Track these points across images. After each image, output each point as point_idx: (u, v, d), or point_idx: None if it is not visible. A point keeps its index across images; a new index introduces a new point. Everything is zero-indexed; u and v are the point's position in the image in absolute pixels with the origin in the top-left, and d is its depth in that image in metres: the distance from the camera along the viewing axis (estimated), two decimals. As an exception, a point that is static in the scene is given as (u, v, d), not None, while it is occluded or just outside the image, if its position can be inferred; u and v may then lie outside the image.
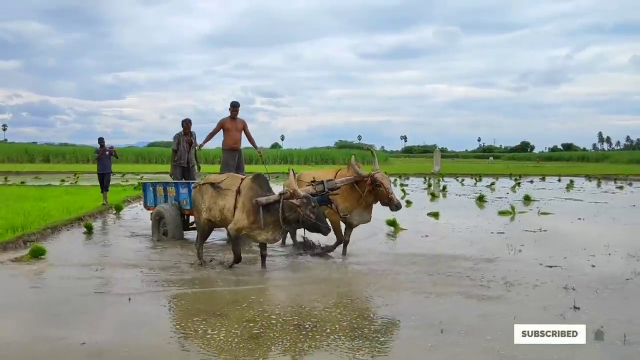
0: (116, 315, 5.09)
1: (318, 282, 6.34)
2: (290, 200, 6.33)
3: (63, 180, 24.71)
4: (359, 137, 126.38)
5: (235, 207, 6.66)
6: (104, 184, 14.39)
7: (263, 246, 6.93)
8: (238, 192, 6.70)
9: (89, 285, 6.02)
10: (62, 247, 8.37)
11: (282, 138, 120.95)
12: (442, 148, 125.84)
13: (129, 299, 5.41)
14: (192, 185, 8.11)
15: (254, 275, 6.60)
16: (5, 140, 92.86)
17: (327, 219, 6.81)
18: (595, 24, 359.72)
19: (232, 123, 9.47)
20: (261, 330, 4.59)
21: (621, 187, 24.48)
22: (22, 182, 22.99)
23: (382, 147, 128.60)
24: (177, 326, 4.71)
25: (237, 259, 6.80)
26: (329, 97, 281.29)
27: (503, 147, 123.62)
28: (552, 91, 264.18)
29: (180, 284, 6.18)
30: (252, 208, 6.47)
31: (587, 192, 21.69)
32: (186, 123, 10.35)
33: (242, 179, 6.92)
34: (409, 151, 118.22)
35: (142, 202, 11.13)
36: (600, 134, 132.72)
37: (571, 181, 27.32)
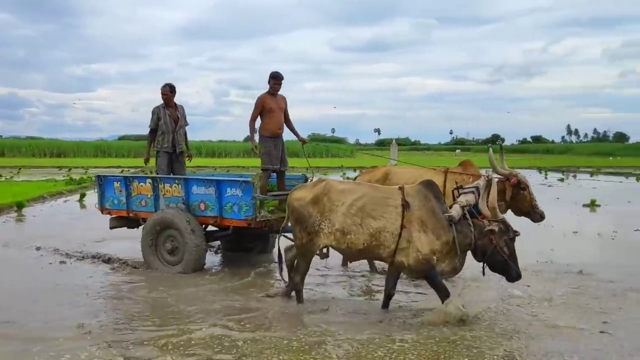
0: None
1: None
2: (486, 221, 4.86)
3: (0, 176, 24.02)
4: (333, 130, 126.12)
5: (402, 228, 4.96)
6: None
7: (394, 280, 5.26)
8: (405, 205, 5.02)
9: None
10: None
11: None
12: (415, 141, 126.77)
13: None
14: (290, 191, 5.67)
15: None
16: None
17: None
18: (571, 17, 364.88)
19: (275, 101, 7.03)
20: None
21: (562, 180, 24.70)
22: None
23: (357, 140, 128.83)
24: None
25: (448, 294, 5.03)
26: (305, 91, 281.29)
27: (474, 140, 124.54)
28: (526, 84, 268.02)
29: None
30: (437, 223, 4.95)
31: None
32: (167, 89, 7.47)
33: (401, 188, 5.16)
34: (381, 144, 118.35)
35: (58, 202, 9.65)
36: (568, 127, 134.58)
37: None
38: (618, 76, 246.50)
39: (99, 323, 4.86)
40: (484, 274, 5.14)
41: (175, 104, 7.61)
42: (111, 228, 7.61)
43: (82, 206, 13.98)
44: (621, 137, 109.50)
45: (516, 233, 5.04)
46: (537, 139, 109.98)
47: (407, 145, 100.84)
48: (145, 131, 7.69)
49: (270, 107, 6.96)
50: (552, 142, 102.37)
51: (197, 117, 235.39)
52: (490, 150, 6.13)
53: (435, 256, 4.92)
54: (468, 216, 4.92)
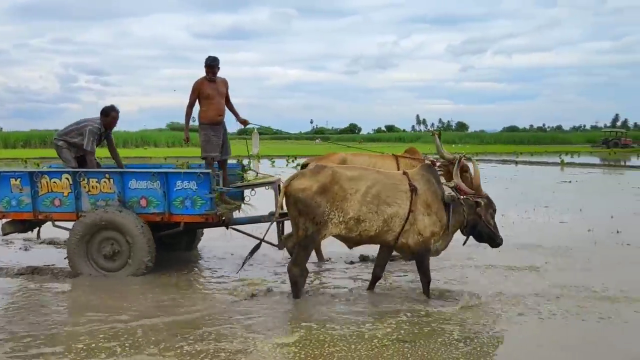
0: None
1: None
2: (475, 198, 5.26)
3: None
4: (194, 119, 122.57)
5: (410, 212, 5.09)
6: None
7: (384, 264, 5.61)
8: (413, 190, 5.11)
9: None
10: None
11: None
12: (277, 130, 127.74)
13: None
14: (286, 183, 5.21)
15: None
16: None
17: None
18: (419, 14, 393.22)
19: (213, 86, 6.86)
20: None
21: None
22: None
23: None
24: None
25: (429, 281, 5.37)
26: (162, 77, 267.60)
27: (333, 129, 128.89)
28: (380, 76, 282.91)
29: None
30: (439, 205, 5.19)
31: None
32: (115, 114, 6.84)
33: (406, 172, 5.32)
34: (243, 133, 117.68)
35: None
36: (417, 117, 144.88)
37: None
38: (459, 71, 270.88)
39: None
40: (464, 244, 5.62)
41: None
42: (4, 234, 6.52)
43: None
44: (462, 126, 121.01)
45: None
46: (390, 128, 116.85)
47: (269, 134, 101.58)
48: None
49: (207, 94, 6.78)
50: (404, 130, 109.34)
51: (40, 104, 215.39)
52: (436, 136, 6.36)
53: (433, 238, 5.17)
54: (460, 196, 5.23)
